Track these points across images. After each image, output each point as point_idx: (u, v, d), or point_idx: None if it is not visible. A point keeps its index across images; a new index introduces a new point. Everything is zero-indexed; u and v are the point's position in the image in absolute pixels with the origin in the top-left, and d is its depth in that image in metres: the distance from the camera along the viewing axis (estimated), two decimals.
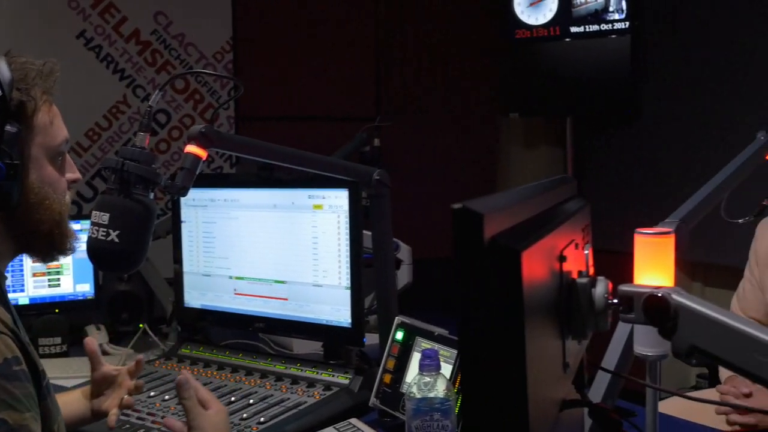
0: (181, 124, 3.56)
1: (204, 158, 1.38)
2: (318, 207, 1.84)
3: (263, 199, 1.95)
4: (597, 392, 1.28)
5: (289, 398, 1.73)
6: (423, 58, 4.12)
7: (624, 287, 0.81)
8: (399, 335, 1.66)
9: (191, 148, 1.36)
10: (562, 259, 0.75)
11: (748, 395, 1.91)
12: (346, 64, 3.92)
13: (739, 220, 1.67)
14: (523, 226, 0.65)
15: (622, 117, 3.95)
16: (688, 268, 3.91)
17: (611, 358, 1.27)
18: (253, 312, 1.99)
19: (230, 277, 2.02)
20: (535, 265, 0.63)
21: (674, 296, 0.77)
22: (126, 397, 1.44)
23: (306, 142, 2.79)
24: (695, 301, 0.76)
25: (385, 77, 4.04)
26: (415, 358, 1.61)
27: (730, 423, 1.87)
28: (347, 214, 1.80)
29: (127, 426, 1.61)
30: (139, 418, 1.65)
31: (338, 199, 1.81)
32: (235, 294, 2.01)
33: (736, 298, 2.20)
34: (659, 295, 0.78)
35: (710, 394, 2.10)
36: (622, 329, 1.29)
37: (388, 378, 1.64)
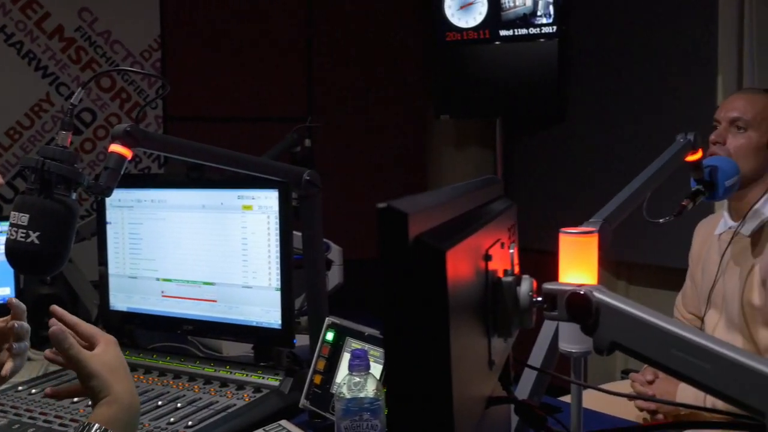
0: (108, 123, 3.49)
1: (129, 158, 1.35)
2: (247, 208, 1.83)
3: (191, 199, 1.92)
4: (524, 389, 1.30)
5: (217, 401, 1.70)
6: (354, 59, 4.13)
7: (548, 285, 0.83)
8: (329, 336, 1.66)
9: (115, 148, 1.33)
10: (487, 258, 0.76)
11: (651, 381, 2.02)
12: (276, 65, 3.91)
13: (660, 220, 1.72)
14: (448, 226, 0.66)
15: (550, 119, 4.04)
16: (612, 267, 4.02)
17: (537, 355, 1.29)
18: (182, 314, 1.96)
19: (157, 279, 1.98)
20: (459, 264, 0.63)
21: (596, 294, 0.79)
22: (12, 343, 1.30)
23: (237, 142, 2.75)
24: (616, 298, 0.78)
25: (316, 78, 4.03)
26: (346, 358, 1.61)
27: (638, 408, 1.98)
28: (277, 214, 1.79)
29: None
30: (46, 421, 1.60)
31: (268, 200, 1.80)
32: (163, 296, 1.98)
33: (680, 294, 2.28)
34: (581, 292, 0.80)
35: (627, 386, 2.17)
36: (547, 327, 1.31)
37: (318, 379, 1.64)
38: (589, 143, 3.91)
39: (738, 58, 3.31)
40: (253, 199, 1.82)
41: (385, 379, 0.57)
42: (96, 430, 1.08)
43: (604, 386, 2.13)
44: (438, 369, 0.58)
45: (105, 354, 1.17)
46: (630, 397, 1.78)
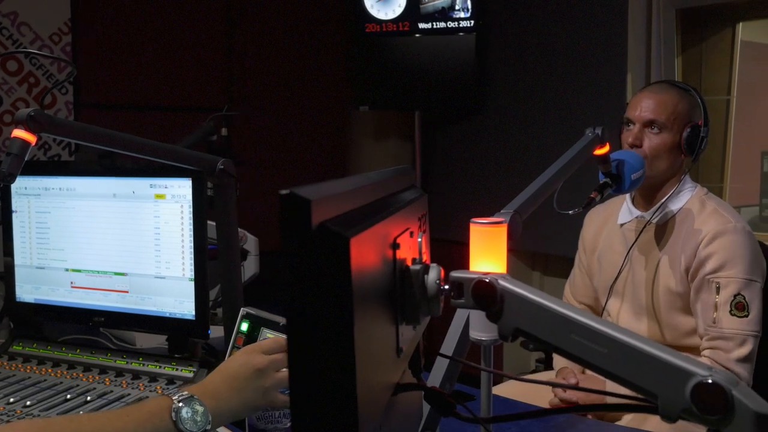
0: (14, 108, 3.36)
1: (33, 143, 1.31)
2: (160, 197, 1.79)
3: (102, 188, 1.87)
4: (437, 377, 1.32)
5: (129, 394, 1.67)
6: (273, 48, 4.09)
7: (455, 273, 0.84)
8: (244, 326, 1.64)
9: (19, 133, 1.28)
10: (395, 246, 0.77)
11: (576, 383, 2.07)
12: (195, 53, 3.83)
13: (570, 212, 1.77)
14: (354, 214, 0.66)
15: (468, 112, 4.10)
16: (528, 258, 4.11)
17: (449, 343, 1.31)
18: (92, 306, 1.91)
19: (66, 270, 1.93)
20: (365, 252, 0.64)
21: (500, 281, 0.81)
22: None
23: (152, 131, 2.69)
24: (519, 285, 0.80)
25: (234, 67, 3.98)
26: None
27: (558, 397, 2.05)
28: (191, 204, 1.76)
29: None
30: None
31: (181, 189, 1.77)
32: (72, 287, 1.92)
33: (569, 285, 2.34)
34: (487, 280, 0.81)
35: (543, 377, 2.23)
36: (459, 316, 1.33)
37: None
38: (505, 136, 3.99)
39: (646, 56, 3.43)
40: (166, 188, 1.78)
41: (289, 367, 0.57)
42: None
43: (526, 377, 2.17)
44: (342, 356, 0.59)
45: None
46: (540, 383, 1.83)
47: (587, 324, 0.74)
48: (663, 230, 2.04)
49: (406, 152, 4.43)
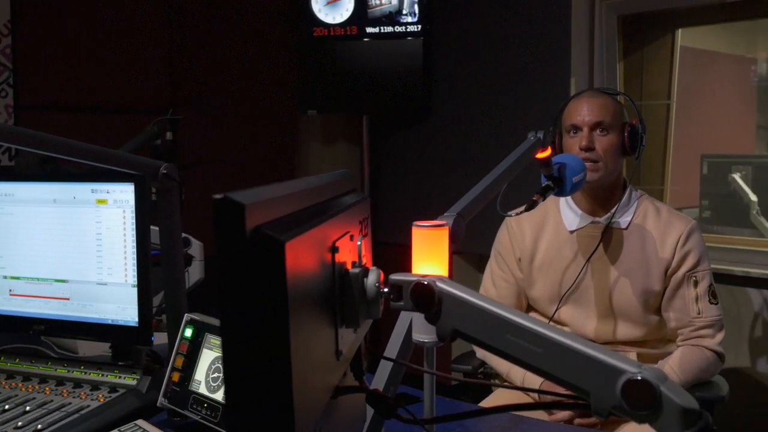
0: None
1: None
2: (102, 202, 1.77)
3: (42, 193, 1.83)
4: (381, 380, 1.32)
5: (70, 403, 1.64)
6: (220, 52, 4.06)
7: (394, 276, 0.85)
8: (188, 332, 1.63)
9: None
10: (334, 249, 0.77)
11: None
12: (138, 55, 3.77)
13: (512, 214, 1.79)
14: (291, 218, 0.66)
15: (415, 116, 4.13)
16: (475, 260, 4.15)
17: (393, 346, 1.32)
18: (32, 314, 1.87)
19: (5, 277, 1.88)
20: (301, 256, 0.64)
21: (438, 284, 0.82)
22: None
23: (96, 134, 2.65)
24: (457, 287, 0.81)
25: (180, 70, 3.93)
26: (205, 355, 1.59)
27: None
28: (133, 209, 1.74)
29: None
30: None
31: (124, 194, 1.74)
32: (11, 295, 1.88)
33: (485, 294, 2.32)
34: (425, 282, 0.82)
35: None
36: (403, 319, 1.34)
37: (176, 376, 1.61)
38: (452, 139, 4.02)
39: (589, 61, 3.50)
40: (107, 192, 1.76)
41: (224, 371, 0.57)
42: None
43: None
44: (277, 360, 0.59)
45: None
46: (486, 383, 1.85)
47: (523, 324, 0.75)
48: (624, 234, 2.09)
49: (353, 156, 4.44)
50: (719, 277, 3.17)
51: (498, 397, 2.15)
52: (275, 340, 0.58)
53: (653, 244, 2.06)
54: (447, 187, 3.87)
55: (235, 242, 0.55)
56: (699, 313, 2.05)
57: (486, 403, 2.09)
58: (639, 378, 0.69)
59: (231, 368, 0.57)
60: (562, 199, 2.17)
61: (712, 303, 2.08)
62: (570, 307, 2.14)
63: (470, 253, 4.06)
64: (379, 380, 1.31)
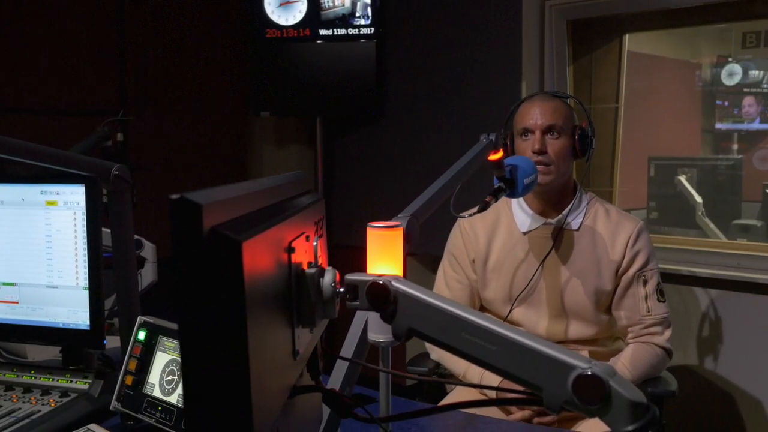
0: None
1: None
2: (52, 203, 1.74)
3: None
4: (337, 379, 1.33)
5: (20, 408, 1.62)
6: (171, 52, 4.01)
7: (350, 276, 0.86)
8: (141, 335, 1.62)
9: None
10: (290, 250, 0.78)
11: None
12: (87, 55, 3.71)
13: (465, 215, 1.81)
14: (247, 218, 0.67)
15: (368, 118, 4.14)
16: (430, 262, 4.17)
17: (349, 346, 1.33)
18: None
19: None
20: (258, 256, 0.64)
21: (394, 283, 0.83)
22: None
23: (45, 135, 2.58)
24: (412, 287, 0.82)
25: (130, 70, 3.87)
26: (159, 357, 1.57)
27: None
28: (84, 210, 1.71)
29: None
30: None
31: (74, 195, 1.72)
32: None
33: (447, 290, 2.35)
34: (381, 282, 0.83)
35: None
36: (359, 319, 1.35)
37: (129, 380, 1.59)
38: (405, 141, 4.04)
39: (540, 65, 3.56)
40: (57, 194, 1.73)
41: (182, 371, 0.57)
42: None
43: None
44: (235, 360, 0.59)
45: None
46: (442, 381, 1.87)
47: (477, 323, 0.77)
48: (576, 234, 2.12)
49: (307, 158, 4.43)
50: (667, 277, 3.25)
51: (455, 397, 2.17)
52: (233, 340, 0.59)
53: (604, 245, 2.10)
54: (400, 189, 3.89)
55: (192, 243, 0.56)
56: (648, 311, 2.11)
57: (443, 403, 2.11)
58: (589, 373, 0.71)
59: (190, 369, 0.58)
60: (514, 201, 2.20)
61: (660, 301, 2.13)
62: (523, 308, 2.17)
63: (423, 254, 4.09)
64: (335, 380, 1.32)
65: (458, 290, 2.28)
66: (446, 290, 2.30)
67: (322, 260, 0.95)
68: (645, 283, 2.11)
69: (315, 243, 0.86)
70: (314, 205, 0.99)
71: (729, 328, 3.20)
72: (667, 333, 2.14)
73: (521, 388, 0.77)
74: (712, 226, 3.63)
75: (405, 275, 1.12)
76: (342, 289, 0.85)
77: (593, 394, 0.70)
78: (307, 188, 1.06)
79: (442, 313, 0.78)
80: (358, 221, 2.79)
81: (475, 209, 1.72)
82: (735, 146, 3.81)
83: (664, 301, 2.15)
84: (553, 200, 2.14)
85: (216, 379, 0.59)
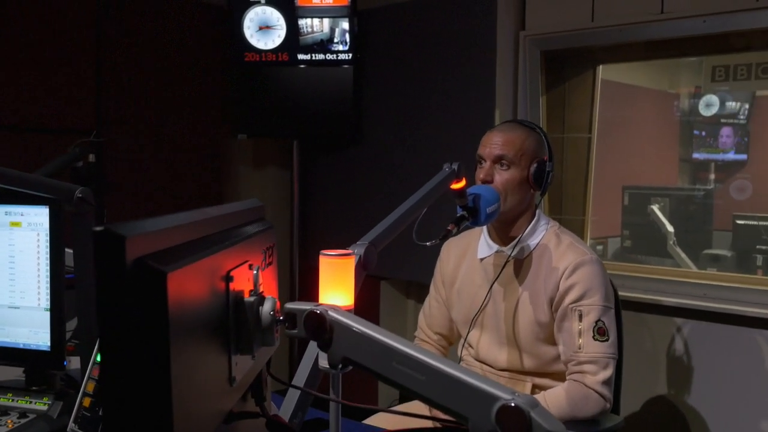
0: None
1: None
2: (16, 224, 1.74)
3: None
4: (288, 407, 1.35)
5: None
6: (149, 72, 4.01)
7: (289, 305, 0.87)
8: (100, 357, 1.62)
9: None
10: (228, 278, 0.80)
11: None
12: (63, 72, 3.69)
13: (428, 243, 1.83)
14: (179, 248, 0.69)
15: (345, 142, 4.18)
16: (402, 287, 4.20)
17: (301, 374, 1.34)
18: None
19: None
20: (187, 285, 0.66)
21: (330, 313, 0.85)
22: None
23: (16, 153, 2.59)
24: (347, 317, 0.84)
25: (106, 90, 3.86)
26: None
27: None
28: (48, 232, 1.72)
29: None
30: None
31: (38, 217, 1.72)
32: None
33: (423, 315, 2.38)
34: (317, 312, 0.85)
35: (413, 406, 2.26)
36: (312, 347, 1.36)
37: (87, 401, 1.59)
38: (381, 166, 4.08)
39: (513, 94, 3.61)
40: (21, 215, 1.74)
41: (102, 398, 0.59)
42: None
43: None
44: (157, 388, 0.61)
45: None
46: (381, 410, 1.86)
47: (407, 353, 0.79)
48: (523, 264, 2.13)
49: (284, 181, 4.45)
50: (635, 306, 3.29)
51: (374, 420, 2.14)
52: (155, 368, 0.60)
53: (543, 276, 2.09)
54: (375, 213, 3.88)
55: (114, 274, 0.57)
56: (580, 348, 2.01)
57: (372, 421, 2.09)
58: (512, 404, 0.73)
59: (109, 396, 0.59)
60: (484, 228, 2.23)
61: (596, 339, 2.01)
62: (482, 333, 2.19)
63: (396, 279, 4.11)
64: (287, 407, 1.33)
65: (436, 308, 2.34)
66: (428, 308, 2.37)
67: (267, 288, 0.96)
68: (580, 317, 2.02)
69: (255, 272, 0.88)
70: (263, 233, 1.01)
71: (697, 358, 3.23)
72: (602, 374, 1.99)
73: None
74: (683, 255, 3.67)
75: (356, 302, 1.15)
76: (281, 318, 0.87)
77: (516, 424, 0.72)
78: (258, 216, 1.09)
79: (374, 342, 0.80)
80: (331, 244, 2.81)
81: (439, 238, 1.74)
82: (712, 176, 3.87)
83: (603, 341, 2.01)
84: (507, 229, 2.15)
85: (137, 406, 0.61)
